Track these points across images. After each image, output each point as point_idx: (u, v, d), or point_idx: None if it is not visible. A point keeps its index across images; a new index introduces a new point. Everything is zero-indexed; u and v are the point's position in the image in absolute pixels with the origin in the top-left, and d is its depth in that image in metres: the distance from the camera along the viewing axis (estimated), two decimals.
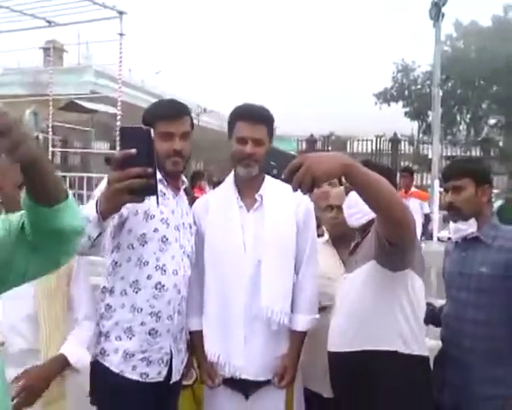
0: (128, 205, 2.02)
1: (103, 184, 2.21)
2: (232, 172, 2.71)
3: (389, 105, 40.67)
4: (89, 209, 2.03)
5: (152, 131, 1.74)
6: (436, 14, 17.35)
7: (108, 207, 1.89)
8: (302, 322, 2.65)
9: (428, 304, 2.74)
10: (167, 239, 2.44)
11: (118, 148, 16.63)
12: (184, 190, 2.66)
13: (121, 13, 15.70)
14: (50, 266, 1.56)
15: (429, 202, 12.38)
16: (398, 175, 10.01)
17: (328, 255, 2.95)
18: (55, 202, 1.39)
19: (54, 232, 1.43)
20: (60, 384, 2.50)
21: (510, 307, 2.56)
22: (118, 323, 2.42)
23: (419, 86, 40.25)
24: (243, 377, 2.57)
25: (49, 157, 18.69)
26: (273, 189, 2.61)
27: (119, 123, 16.24)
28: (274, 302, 2.55)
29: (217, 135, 26.83)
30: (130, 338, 2.41)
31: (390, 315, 2.38)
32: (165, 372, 2.47)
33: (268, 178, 2.45)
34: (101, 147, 27.32)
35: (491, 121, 40.34)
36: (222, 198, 2.69)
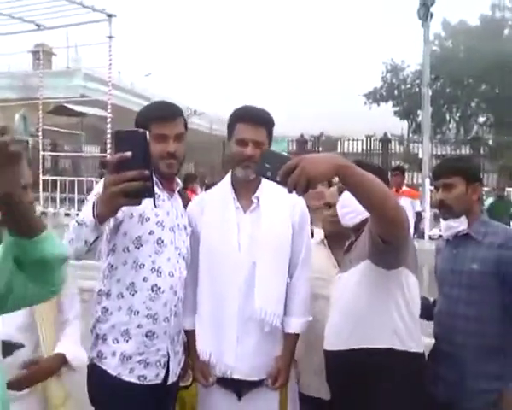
0: (123, 208, 2.02)
1: (98, 188, 2.22)
2: (229, 174, 2.72)
3: (379, 105, 40.82)
4: (85, 214, 2.04)
5: (147, 133, 1.75)
6: (425, 14, 17.42)
7: (105, 211, 1.90)
8: (295, 324, 2.66)
9: (422, 298, 2.77)
10: (163, 241, 2.45)
11: (108, 151, 16.63)
12: (179, 192, 2.66)
13: (110, 15, 15.66)
14: (45, 293, 1.59)
15: (420, 200, 12.44)
16: (390, 174, 10.05)
17: (323, 256, 2.96)
18: (35, 234, 1.42)
19: (37, 263, 1.46)
20: (63, 385, 2.51)
21: (501, 303, 2.60)
22: (115, 326, 2.42)
23: (408, 86, 40.45)
24: (235, 376, 2.58)
25: (40, 161, 18.63)
26: (270, 191, 2.62)
27: (109, 126, 16.22)
28: (267, 304, 2.56)
29: (207, 137, 26.86)
30: (128, 341, 2.40)
31: (385, 313, 2.41)
32: (162, 374, 2.47)
33: (265, 180, 2.46)
34: (92, 150, 27.21)
35: (481, 120, 40.63)
36: (218, 199, 2.70)
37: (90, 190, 17.95)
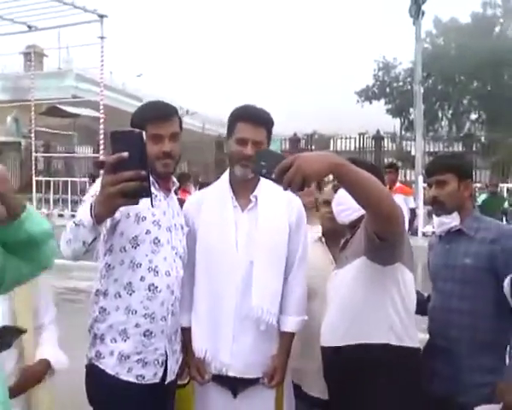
0: (120, 208, 2.03)
1: (94, 189, 2.22)
2: (227, 172, 2.73)
3: (371, 103, 40.95)
4: (82, 214, 2.04)
5: (144, 133, 1.75)
6: (416, 11, 17.51)
7: (103, 211, 1.90)
8: (291, 323, 2.67)
9: (416, 292, 2.80)
10: (159, 241, 2.45)
11: (101, 151, 16.61)
12: (174, 191, 2.67)
13: (102, 16, 15.65)
14: (38, 269, 1.64)
15: (414, 197, 12.50)
16: (384, 172, 10.09)
17: (320, 253, 2.98)
18: (16, 217, 1.45)
19: (24, 243, 1.49)
20: (50, 391, 2.52)
21: (494, 297, 2.62)
22: (112, 325, 2.42)
23: (400, 83, 40.59)
24: (230, 374, 2.59)
25: (33, 162, 18.59)
26: (267, 190, 2.64)
27: (101, 126, 16.19)
28: (264, 302, 2.58)
29: (199, 136, 26.84)
30: (125, 340, 2.41)
31: (381, 309, 2.42)
32: (160, 374, 2.48)
33: (263, 179, 2.47)
34: (85, 151, 27.16)
35: (473, 117, 40.84)
36: (216, 197, 2.71)
37: (83, 190, 17.90)
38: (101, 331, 2.44)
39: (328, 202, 2.91)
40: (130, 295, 2.40)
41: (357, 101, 41.03)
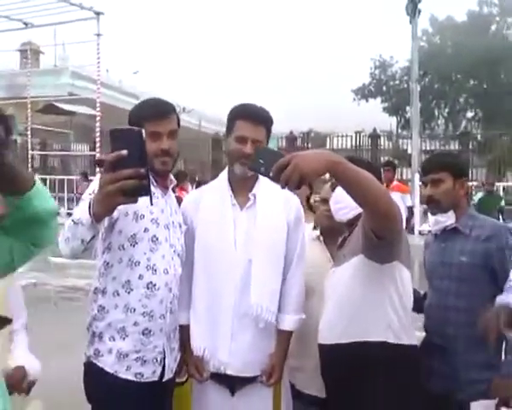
0: (119, 206, 2.03)
1: (92, 187, 2.22)
2: (225, 170, 2.74)
3: (367, 101, 41.01)
4: (81, 212, 2.04)
5: (143, 131, 1.75)
6: (413, 10, 17.51)
7: (102, 210, 1.90)
8: (289, 322, 2.68)
9: (413, 290, 2.81)
10: (157, 239, 2.45)
11: (98, 149, 16.59)
12: (172, 189, 2.67)
13: (98, 13, 15.64)
14: (32, 250, 1.61)
15: (410, 195, 12.51)
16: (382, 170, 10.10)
17: (318, 251, 2.98)
18: (25, 191, 1.44)
19: (29, 219, 1.48)
20: (39, 404, 2.52)
21: (489, 294, 2.64)
22: (111, 324, 2.42)
23: (397, 82, 40.67)
24: (228, 372, 2.59)
25: (29, 160, 18.55)
26: (266, 189, 2.64)
27: (98, 124, 16.17)
28: (263, 300, 2.58)
29: (196, 134, 26.80)
30: (124, 338, 2.40)
31: (379, 307, 2.43)
32: (159, 372, 2.47)
33: (261, 177, 2.48)
34: (81, 149, 27.11)
35: (469, 115, 40.91)
36: (215, 196, 2.70)
37: (83, 188, 17.81)
38: (100, 329, 2.44)
39: (325, 200, 2.92)
40: (129, 293, 2.40)
41: (354, 99, 41.11)
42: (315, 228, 3.07)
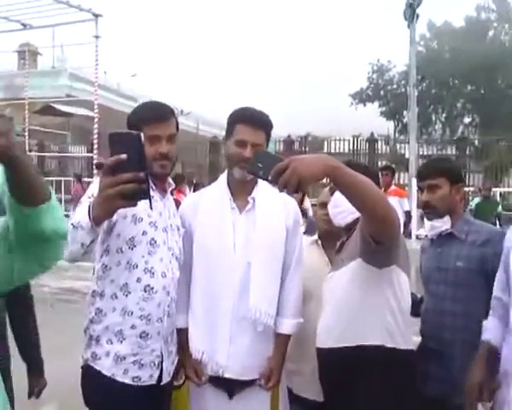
0: (118, 210, 2.03)
1: (91, 190, 2.22)
2: (224, 174, 2.74)
3: (365, 105, 41.11)
4: (80, 216, 2.03)
5: (142, 135, 1.76)
6: (411, 15, 17.53)
7: (101, 213, 1.89)
8: (287, 326, 2.68)
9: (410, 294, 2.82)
10: (155, 242, 2.45)
11: (95, 151, 16.58)
12: (170, 192, 2.67)
13: (97, 15, 15.64)
14: (36, 269, 1.55)
15: (408, 200, 12.52)
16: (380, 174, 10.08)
17: (316, 255, 2.99)
18: (37, 203, 1.38)
19: (36, 234, 1.42)
20: None
21: (486, 299, 2.64)
22: (108, 327, 2.41)
23: (394, 86, 40.77)
24: (226, 375, 2.59)
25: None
26: (265, 192, 2.65)
27: (96, 126, 16.16)
28: (262, 304, 2.58)
29: (193, 137, 26.80)
30: (121, 342, 2.40)
31: (377, 311, 2.43)
32: (156, 375, 2.47)
33: (260, 181, 2.48)
34: (79, 150, 27.08)
35: (466, 120, 41.03)
36: (214, 199, 2.71)
37: (76, 190, 17.74)
38: (97, 333, 2.43)
39: (324, 205, 2.93)
40: (127, 296, 2.40)
41: (352, 103, 41.19)
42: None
